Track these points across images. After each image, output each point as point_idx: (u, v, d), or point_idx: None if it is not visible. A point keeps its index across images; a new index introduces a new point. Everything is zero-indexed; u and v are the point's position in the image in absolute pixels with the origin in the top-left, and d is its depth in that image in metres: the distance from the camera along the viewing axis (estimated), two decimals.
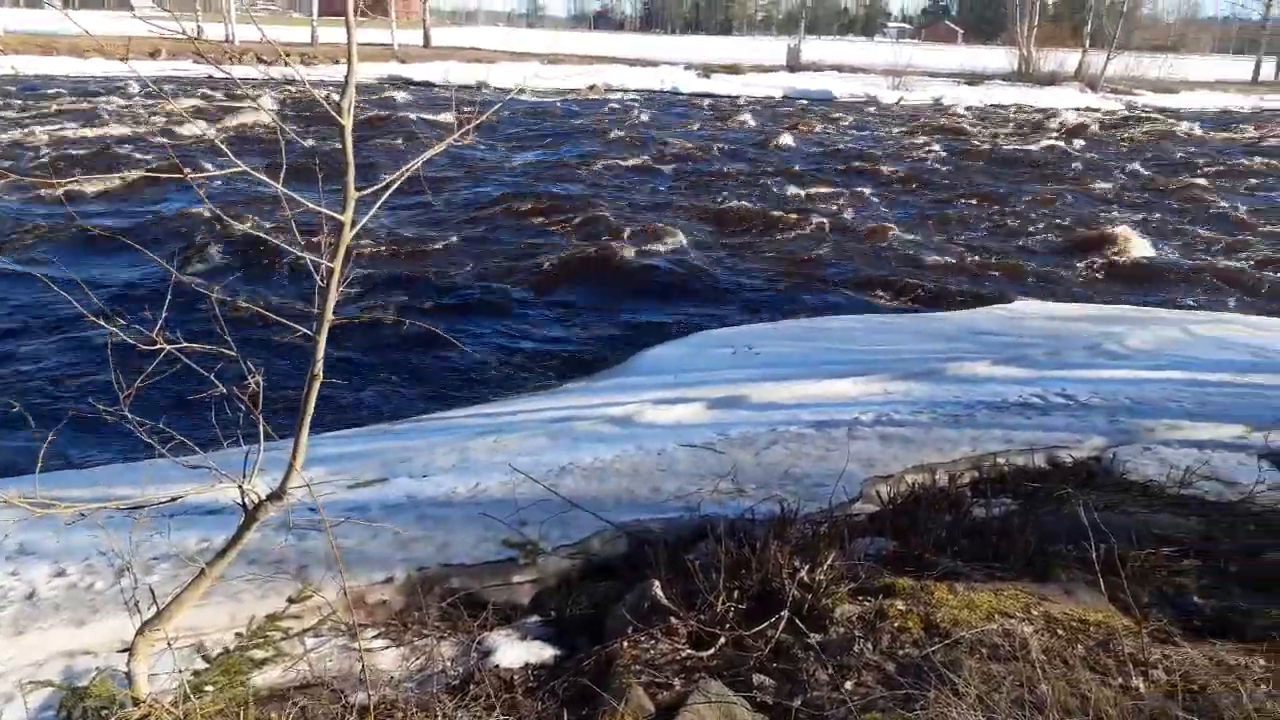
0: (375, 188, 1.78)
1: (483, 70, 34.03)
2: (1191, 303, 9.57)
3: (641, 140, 20.05)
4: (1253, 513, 3.88)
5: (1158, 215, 14.03)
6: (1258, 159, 20.79)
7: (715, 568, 2.86)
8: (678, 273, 9.65)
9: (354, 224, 1.70)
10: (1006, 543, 3.19)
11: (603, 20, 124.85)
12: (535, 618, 2.99)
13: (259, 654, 2.71)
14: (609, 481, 4.17)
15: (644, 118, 24.95)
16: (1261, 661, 2.41)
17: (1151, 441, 4.88)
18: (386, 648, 2.88)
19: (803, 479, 4.19)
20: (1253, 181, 17.77)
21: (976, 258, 10.97)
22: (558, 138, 20.40)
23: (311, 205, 1.70)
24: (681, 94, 33.16)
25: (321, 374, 1.83)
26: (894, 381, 5.89)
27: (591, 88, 33.04)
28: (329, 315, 1.77)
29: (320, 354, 1.81)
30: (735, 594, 2.78)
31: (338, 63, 29.44)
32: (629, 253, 10.25)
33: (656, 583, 2.88)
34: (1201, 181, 17.15)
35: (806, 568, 2.73)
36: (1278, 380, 6.21)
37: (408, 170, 1.79)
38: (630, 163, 17.21)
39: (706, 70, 39.16)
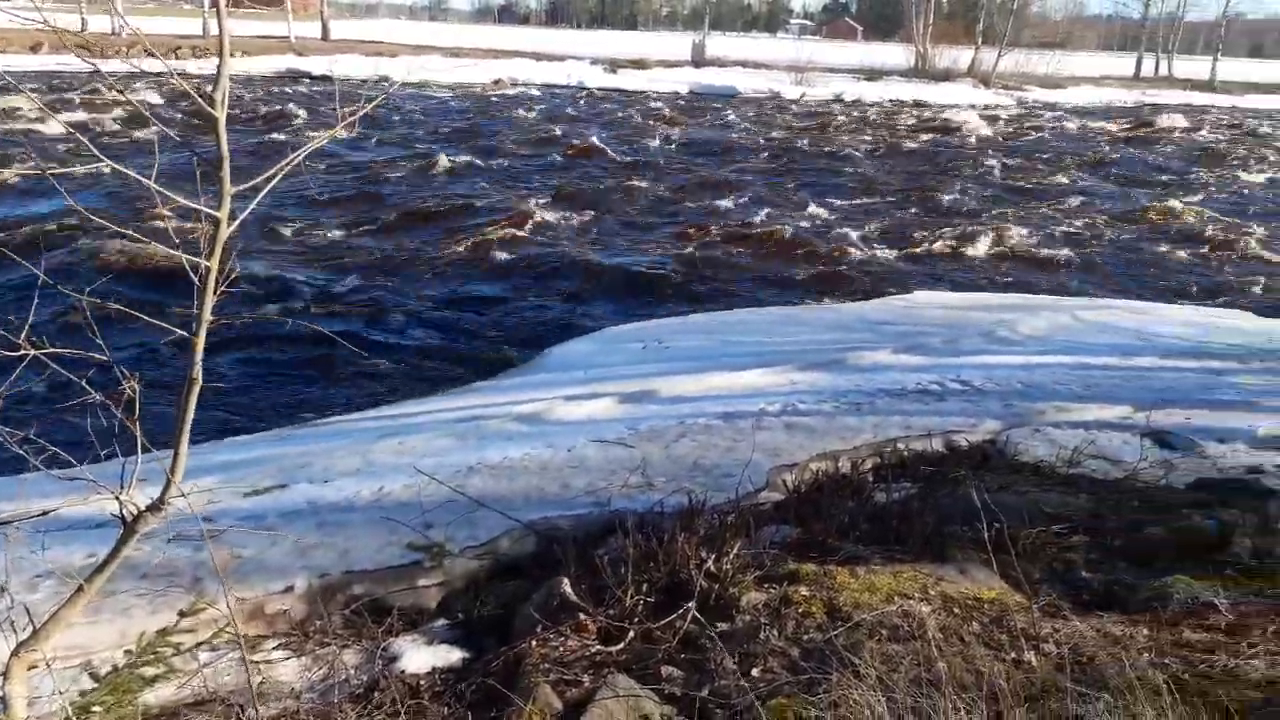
0: (253, 183, 1.71)
1: (384, 64, 33.38)
2: (1076, 288, 9.98)
3: (547, 135, 19.95)
4: (1137, 489, 4.07)
5: (1044, 207, 14.59)
6: (1135, 150, 21.83)
7: (624, 562, 2.86)
8: (588, 269, 9.63)
9: (231, 219, 1.63)
10: (906, 526, 3.27)
11: (507, 14, 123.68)
12: (442, 621, 2.94)
13: (150, 671, 2.59)
14: (518, 480, 4.13)
15: (550, 112, 24.83)
16: (1145, 631, 2.52)
17: (1042, 423, 5.07)
18: (287, 658, 2.79)
19: (711, 470, 4.23)
20: (1123, 173, 18.64)
21: (877, 250, 11.25)
22: (460, 133, 20.13)
23: (185, 201, 1.63)
24: (588, 88, 33.11)
25: (200, 378, 1.75)
26: (799, 372, 5.99)
27: (496, 82, 32.71)
28: (207, 316, 1.70)
29: (198, 357, 1.73)
30: (644, 587, 2.78)
31: (233, 55, 28.45)
32: (536, 250, 10.19)
33: (565, 580, 2.86)
34: (1084, 172, 17.94)
35: (713, 558, 2.75)
36: (1159, 362, 6.53)
37: (287, 164, 1.72)
38: (535, 158, 17.11)
39: (613, 65, 39.19)
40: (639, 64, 40.24)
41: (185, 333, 1.72)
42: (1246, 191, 16.94)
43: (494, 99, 27.84)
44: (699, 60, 42.67)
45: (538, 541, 3.52)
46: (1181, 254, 11.69)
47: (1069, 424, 5.10)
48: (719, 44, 50.67)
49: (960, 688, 2.03)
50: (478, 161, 16.26)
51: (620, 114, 25.13)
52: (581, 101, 28.81)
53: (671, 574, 2.83)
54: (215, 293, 1.67)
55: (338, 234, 10.70)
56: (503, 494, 3.91)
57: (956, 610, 2.51)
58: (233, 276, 1.84)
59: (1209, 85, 43.77)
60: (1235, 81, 45.17)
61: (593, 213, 12.53)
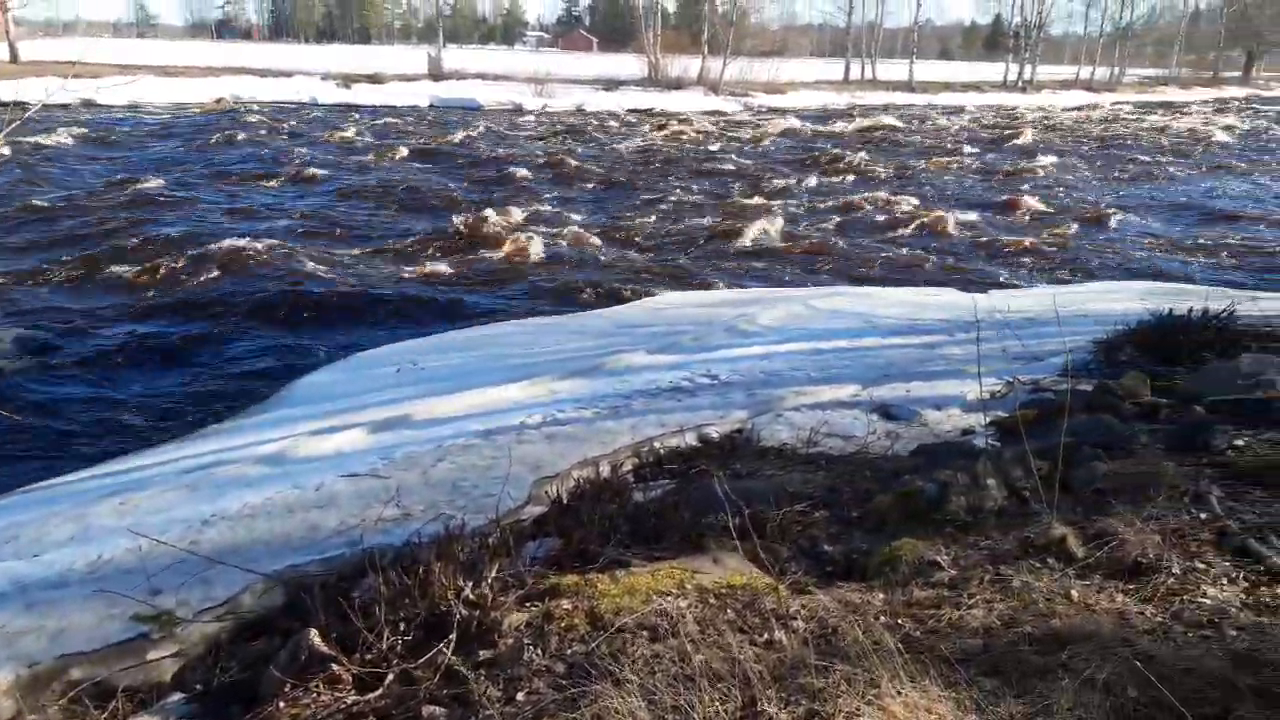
0: None
1: (88, 85, 30.30)
2: (811, 277, 10.70)
3: (277, 155, 18.88)
4: (868, 461, 4.40)
5: (791, 204, 15.56)
6: (859, 148, 23.82)
7: (378, 602, 2.72)
8: (333, 293, 9.18)
9: None
10: (663, 523, 3.34)
11: (227, 29, 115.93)
12: (178, 695, 2.67)
13: None
14: (260, 528, 3.85)
15: (279, 130, 23.54)
16: (880, 596, 2.71)
17: (783, 409, 5.38)
18: None
19: (471, 491, 4.14)
20: (855, 170, 20.29)
21: (629, 254, 11.53)
22: (172, 158, 18.61)
23: None
24: (321, 104, 31.70)
25: None
26: (559, 381, 6.00)
27: (218, 101, 30.57)
28: None
29: None
30: (401, 626, 2.65)
31: None
32: (272, 276, 9.59)
33: (314, 631, 2.68)
34: (813, 172, 19.35)
35: (471, 584, 2.67)
36: (882, 342, 7.12)
37: None
38: (266, 179, 16.16)
39: (346, 80, 37.73)
40: (374, 78, 39.01)
41: None
42: (947, 179, 18.91)
43: (215, 118, 25.96)
44: (437, 73, 42.02)
45: (285, 592, 3.28)
46: (899, 240, 12.85)
47: (807, 406, 5.44)
48: (456, 56, 50.14)
49: (716, 678, 2.08)
50: (191, 186, 15.11)
51: (353, 130, 24.22)
52: (312, 118, 27.51)
53: (431, 607, 2.72)
54: None
55: (27, 274, 9.56)
56: (243, 545, 3.62)
57: (712, 601, 2.59)
58: None
59: (908, 86, 48.46)
60: (931, 81, 50.36)
61: (331, 234, 12.01)
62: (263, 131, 23.29)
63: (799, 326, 7.55)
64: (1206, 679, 2.05)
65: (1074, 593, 2.54)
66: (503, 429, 5.03)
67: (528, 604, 2.69)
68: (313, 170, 17.02)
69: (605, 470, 4.24)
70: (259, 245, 10.55)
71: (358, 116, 27.85)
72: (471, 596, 2.67)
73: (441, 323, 8.32)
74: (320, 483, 4.29)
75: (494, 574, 2.75)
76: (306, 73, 39.60)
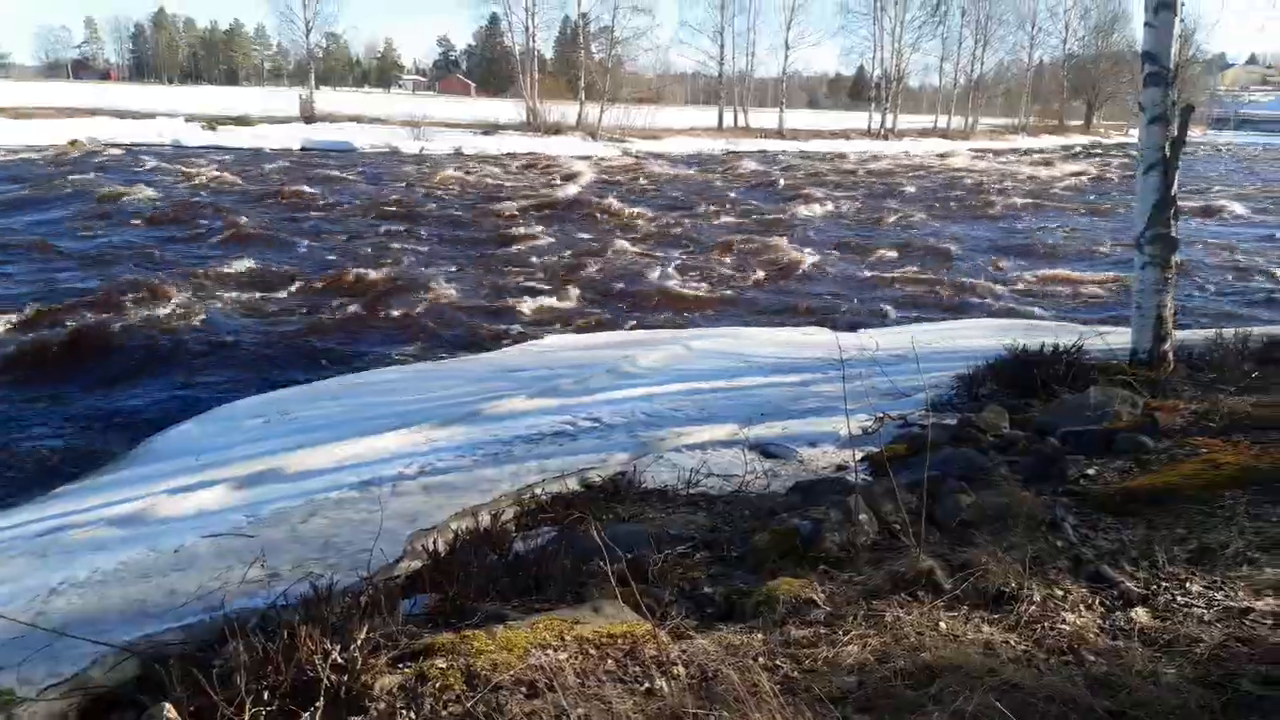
0: None
1: None
2: (693, 320, 10.86)
3: (132, 200, 18.01)
4: (747, 500, 4.45)
5: (672, 246, 15.80)
6: (734, 195, 24.44)
7: (240, 670, 2.56)
8: (196, 342, 8.78)
9: None
10: (544, 572, 3.28)
11: (84, 70, 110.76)
12: None
13: None
14: (113, 595, 3.60)
15: (137, 173, 22.52)
16: (759, 636, 2.72)
17: (665, 450, 5.41)
18: None
19: (344, 548, 3.98)
20: (731, 212, 20.81)
21: (509, 299, 11.45)
22: (18, 202, 17.54)
23: None
24: (185, 147, 30.55)
25: None
26: (437, 429, 5.87)
27: (73, 143, 29.05)
28: None
29: None
30: (265, 695, 2.50)
31: None
32: (128, 325, 9.10)
33: (168, 705, 2.50)
34: (696, 213, 19.74)
35: (340, 647, 2.55)
36: (759, 381, 7.26)
37: None
38: (123, 225, 15.40)
39: (212, 122, 36.52)
40: (242, 120, 37.89)
41: None
42: (817, 222, 19.60)
43: (68, 162, 24.62)
44: (309, 116, 41.14)
45: (139, 664, 3.07)
46: (775, 281, 13.21)
47: (688, 447, 5.48)
48: (329, 99, 49.28)
49: None
50: (38, 230, 14.28)
51: (217, 173, 23.39)
52: (173, 160, 26.44)
53: (297, 674, 2.58)
54: None
55: None
56: (94, 615, 3.38)
57: (592, 651, 2.54)
58: None
59: (779, 133, 50.22)
60: (800, 129, 52.33)
61: (194, 281, 11.51)
62: (119, 173, 22.24)
63: (679, 367, 7.64)
64: (1067, 705, 2.13)
65: (943, 624, 2.61)
66: (378, 480, 4.87)
67: (401, 665, 2.58)
68: (172, 215, 16.34)
69: (485, 520, 4.15)
70: (113, 292, 10.02)
71: (223, 159, 26.90)
72: (340, 660, 2.54)
73: (313, 371, 8.05)
74: (180, 544, 4.05)
75: (365, 635, 2.63)
76: (169, 114, 38.16)
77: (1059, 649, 2.49)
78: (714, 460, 5.13)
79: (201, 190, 20.33)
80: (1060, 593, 2.83)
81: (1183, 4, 6.20)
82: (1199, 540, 3.22)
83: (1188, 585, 2.90)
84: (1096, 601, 2.81)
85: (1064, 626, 2.60)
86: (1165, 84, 6.18)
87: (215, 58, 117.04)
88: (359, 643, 2.59)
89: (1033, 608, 2.70)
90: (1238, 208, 23.85)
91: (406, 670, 2.54)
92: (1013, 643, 2.51)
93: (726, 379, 7.22)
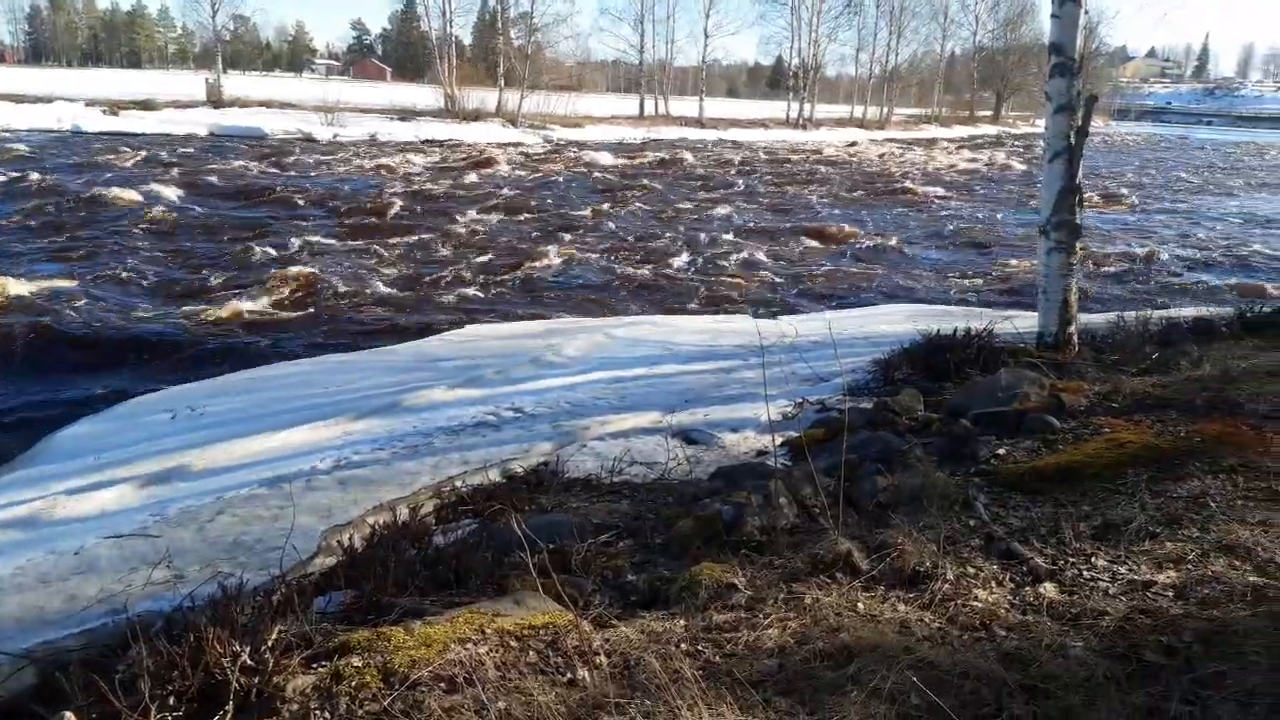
0: None
1: None
2: (616, 307, 10.83)
3: (28, 187, 17.16)
4: (670, 487, 4.46)
5: (593, 234, 15.72)
6: (655, 184, 24.46)
7: (144, 676, 2.46)
8: (96, 334, 8.41)
9: None
10: (465, 565, 3.23)
11: None
12: None
13: None
14: (9, 601, 3.43)
15: (32, 160, 21.46)
16: (682, 623, 2.72)
17: (589, 439, 5.38)
18: None
19: (254, 546, 3.86)
20: (652, 200, 20.83)
21: (428, 288, 11.26)
22: None
23: None
24: (84, 133, 29.21)
25: None
26: (353, 421, 5.74)
27: None
28: None
29: None
30: (171, 701, 2.41)
31: None
32: (20, 317, 8.67)
33: (69, 714, 2.38)
34: (616, 200, 19.69)
35: (249, 648, 2.46)
36: (682, 369, 7.28)
37: None
38: (12, 215, 14.66)
39: (114, 107, 34.97)
40: (146, 105, 36.40)
41: None
42: (740, 210, 19.75)
43: None
44: (216, 101, 39.73)
45: (39, 672, 2.93)
46: (698, 268, 13.26)
47: (611, 435, 5.47)
48: (238, 83, 47.66)
49: None
50: None
51: (117, 159, 22.45)
52: (72, 146, 25.27)
53: (205, 678, 2.48)
54: None
55: None
56: None
57: (513, 644, 2.51)
58: None
59: (699, 122, 50.42)
60: (720, 118, 52.65)
61: (93, 271, 11.02)
62: (11, 161, 21.17)
63: (602, 356, 7.61)
64: (980, 680, 2.18)
65: (860, 605, 2.65)
66: (291, 475, 4.74)
67: (315, 664, 2.51)
68: (70, 203, 15.61)
69: (404, 514, 4.06)
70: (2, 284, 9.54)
71: (124, 147, 25.79)
72: (250, 662, 2.45)
73: (222, 364, 7.78)
74: (80, 546, 3.88)
75: (276, 635, 2.55)
76: (68, 98, 36.36)
77: (972, 625, 2.55)
78: (638, 448, 5.12)
79: (106, 172, 19.46)
80: (973, 570, 2.90)
81: None
82: (1103, 516, 3.34)
83: (1093, 560, 3.00)
84: (1007, 578, 2.89)
85: (976, 603, 2.67)
86: (1070, 74, 6.37)
87: (117, 40, 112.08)
88: (270, 643, 2.50)
89: (947, 586, 2.76)
90: (1134, 196, 24.86)
91: (321, 670, 2.46)
92: (928, 621, 2.56)
93: (649, 367, 7.23)
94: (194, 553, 3.82)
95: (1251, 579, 2.84)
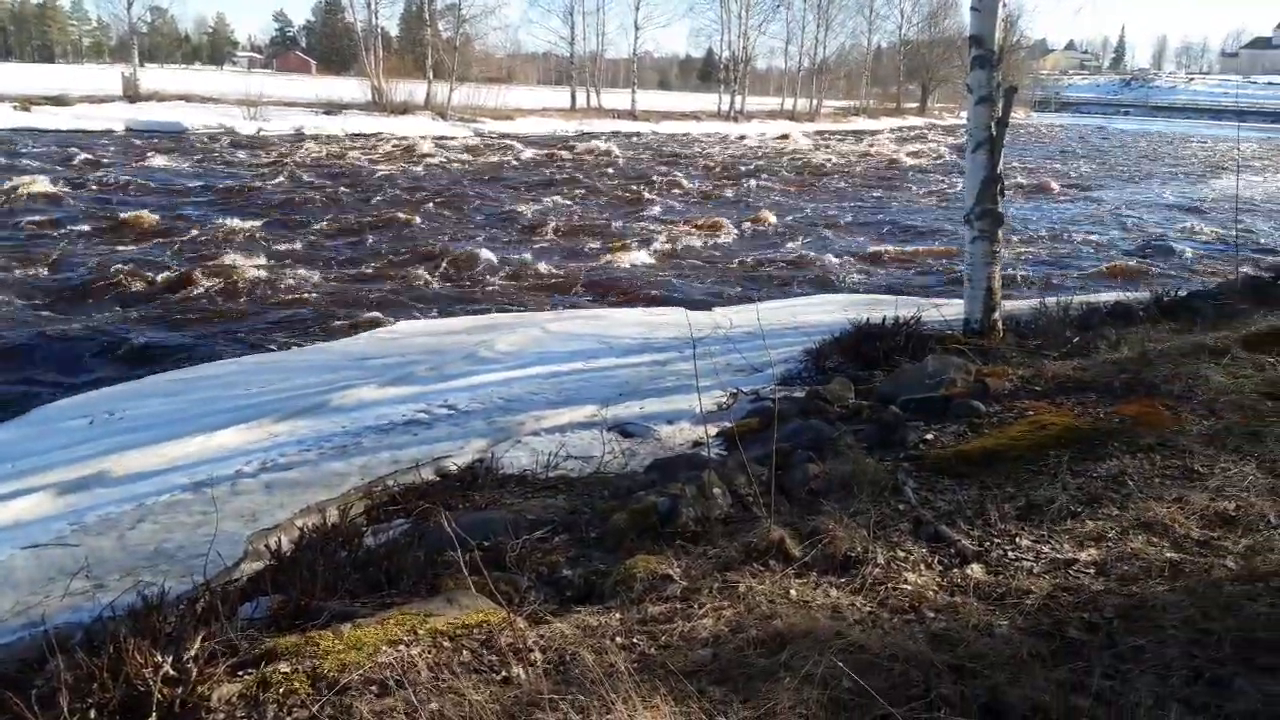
0: None
1: None
2: (549, 302, 10.76)
3: None
4: (606, 480, 4.45)
5: (530, 227, 15.60)
6: (590, 176, 24.36)
7: (62, 690, 2.37)
8: (3, 338, 8.07)
9: None
10: (396, 566, 3.18)
11: None
12: None
13: None
14: None
15: None
16: (617, 616, 2.71)
17: (524, 435, 5.35)
18: None
19: (178, 553, 3.75)
20: (590, 191, 20.75)
21: (356, 284, 11.06)
22: None
23: None
24: None
25: None
26: (279, 422, 5.62)
27: None
28: None
29: None
30: (91, 714, 2.32)
31: None
32: None
33: None
34: (550, 193, 19.57)
35: (172, 658, 2.39)
36: (617, 362, 7.28)
37: None
38: None
39: (25, 102, 33.56)
40: (59, 100, 35.00)
41: None
42: (674, 202, 19.80)
43: None
44: (133, 95, 38.40)
45: None
46: (634, 261, 13.25)
47: (547, 430, 5.44)
48: (156, 77, 46.09)
49: None
50: None
51: (26, 155, 21.61)
52: None
53: (127, 690, 2.40)
54: None
55: None
56: None
57: (446, 644, 2.47)
58: None
59: (631, 114, 50.40)
60: (653, 110, 52.67)
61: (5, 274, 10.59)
62: None
63: (537, 350, 7.57)
64: (910, 661, 2.22)
65: (793, 592, 2.67)
66: (215, 479, 4.62)
67: (241, 673, 2.44)
68: None
69: (333, 516, 3.99)
70: None
71: (33, 144, 24.80)
72: (172, 672, 2.38)
73: (142, 367, 7.53)
74: None
75: (200, 643, 2.48)
76: None
77: (902, 608, 2.59)
78: (573, 442, 5.10)
79: (13, 170, 18.68)
80: (902, 554, 2.95)
81: None
82: (1027, 497, 3.42)
83: (1018, 540, 3.08)
84: (936, 560, 2.94)
85: (906, 586, 2.71)
86: (990, 66, 6.52)
87: (27, 34, 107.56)
88: (193, 652, 2.43)
89: (877, 570, 2.80)
90: (1055, 185, 25.59)
91: (247, 678, 2.40)
92: (859, 605, 2.59)
93: (585, 360, 7.21)
94: (114, 562, 3.70)
95: (1169, 555, 2.95)
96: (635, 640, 2.48)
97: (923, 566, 2.89)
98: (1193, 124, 73.66)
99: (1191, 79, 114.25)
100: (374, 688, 2.26)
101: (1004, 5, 6.60)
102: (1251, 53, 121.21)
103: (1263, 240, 17.04)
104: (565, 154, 30.19)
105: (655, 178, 24.34)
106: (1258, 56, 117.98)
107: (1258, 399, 4.53)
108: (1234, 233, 16.94)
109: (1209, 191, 25.87)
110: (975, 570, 2.86)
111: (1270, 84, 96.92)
